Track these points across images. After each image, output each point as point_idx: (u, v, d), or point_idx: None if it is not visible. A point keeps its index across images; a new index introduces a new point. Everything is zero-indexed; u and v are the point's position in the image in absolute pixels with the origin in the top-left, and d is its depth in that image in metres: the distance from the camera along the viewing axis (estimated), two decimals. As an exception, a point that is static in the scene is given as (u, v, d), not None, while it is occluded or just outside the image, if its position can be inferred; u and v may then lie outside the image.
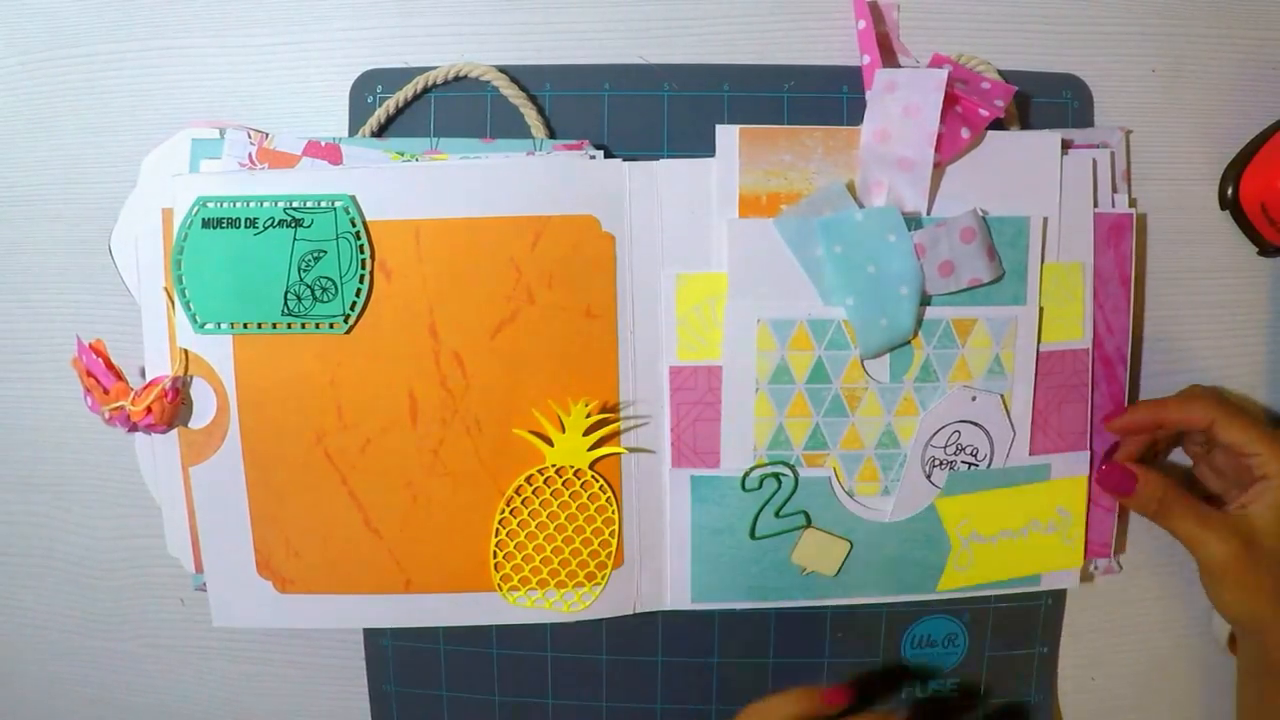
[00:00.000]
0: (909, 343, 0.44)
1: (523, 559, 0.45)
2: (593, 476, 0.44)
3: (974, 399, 0.44)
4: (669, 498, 0.45)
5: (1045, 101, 0.47)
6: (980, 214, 0.43)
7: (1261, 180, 0.46)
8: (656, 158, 0.44)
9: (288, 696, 0.52)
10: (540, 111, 0.46)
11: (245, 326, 0.43)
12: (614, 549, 0.45)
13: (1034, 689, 0.50)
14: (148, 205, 0.44)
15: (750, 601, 0.46)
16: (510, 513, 0.45)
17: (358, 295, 0.43)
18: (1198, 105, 0.48)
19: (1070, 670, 0.51)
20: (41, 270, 0.49)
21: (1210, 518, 0.41)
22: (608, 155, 0.45)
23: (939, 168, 0.43)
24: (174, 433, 0.44)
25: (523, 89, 0.45)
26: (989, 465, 0.45)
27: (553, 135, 0.46)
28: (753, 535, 0.45)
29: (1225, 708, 0.46)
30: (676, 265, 0.44)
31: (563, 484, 0.45)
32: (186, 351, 0.43)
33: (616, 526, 0.45)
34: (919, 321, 0.43)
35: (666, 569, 0.46)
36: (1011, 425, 0.45)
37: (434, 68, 0.45)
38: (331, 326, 0.43)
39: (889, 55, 0.46)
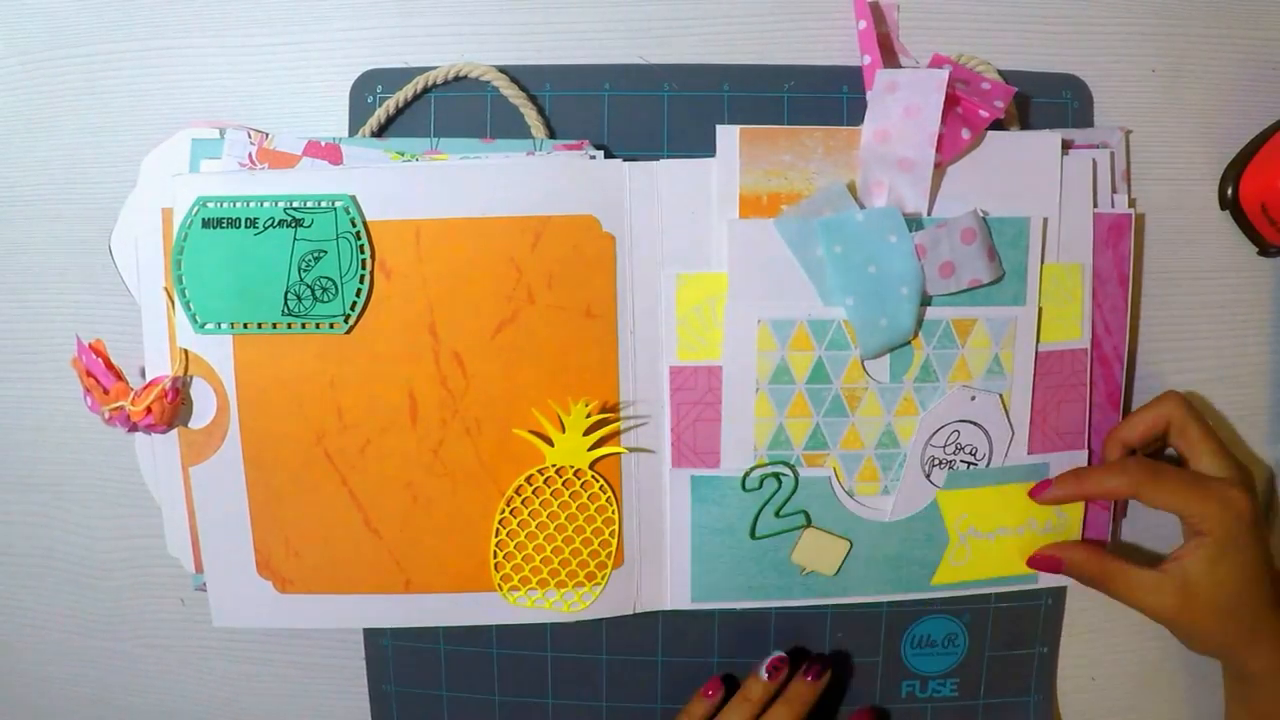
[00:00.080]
0: (909, 343, 0.44)
1: (523, 559, 0.45)
2: (593, 476, 0.44)
3: (973, 399, 0.44)
4: (669, 498, 0.45)
5: (1045, 101, 0.47)
6: (981, 214, 0.43)
7: (1261, 180, 0.46)
8: (656, 158, 0.44)
9: (288, 696, 0.52)
10: (540, 111, 0.46)
11: (245, 326, 0.43)
12: (614, 549, 0.45)
13: (1034, 689, 0.50)
14: (148, 205, 0.44)
15: (750, 601, 0.46)
16: (510, 513, 0.45)
17: (358, 295, 0.43)
18: (1198, 105, 0.48)
19: (1070, 670, 0.51)
20: (41, 270, 0.49)
21: (1140, 584, 0.42)
22: (608, 155, 0.45)
23: (939, 168, 0.43)
24: (174, 433, 0.44)
25: (523, 89, 0.45)
26: (988, 464, 0.45)
27: (553, 135, 0.46)
28: (753, 535, 0.45)
29: (1224, 708, 0.46)
30: (676, 265, 0.44)
31: (563, 484, 0.45)
32: (186, 351, 0.43)
33: (616, 526, 0.45)
34: (919, 322, 0.43)
35: (666, 569, 0.46)
36: (1010, 425, 0.45)
37: (434, 68, 0.45)
38: (331, 326, 0.43)
39: (889, 55, 0.46)
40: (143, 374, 0.45)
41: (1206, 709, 0.51)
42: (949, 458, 0.45)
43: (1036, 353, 0.45)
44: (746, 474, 0.44)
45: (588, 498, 0.45)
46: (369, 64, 0.46)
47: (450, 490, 0.45)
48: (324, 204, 0.42)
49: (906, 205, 0.43)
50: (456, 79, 0.46)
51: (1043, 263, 0.44)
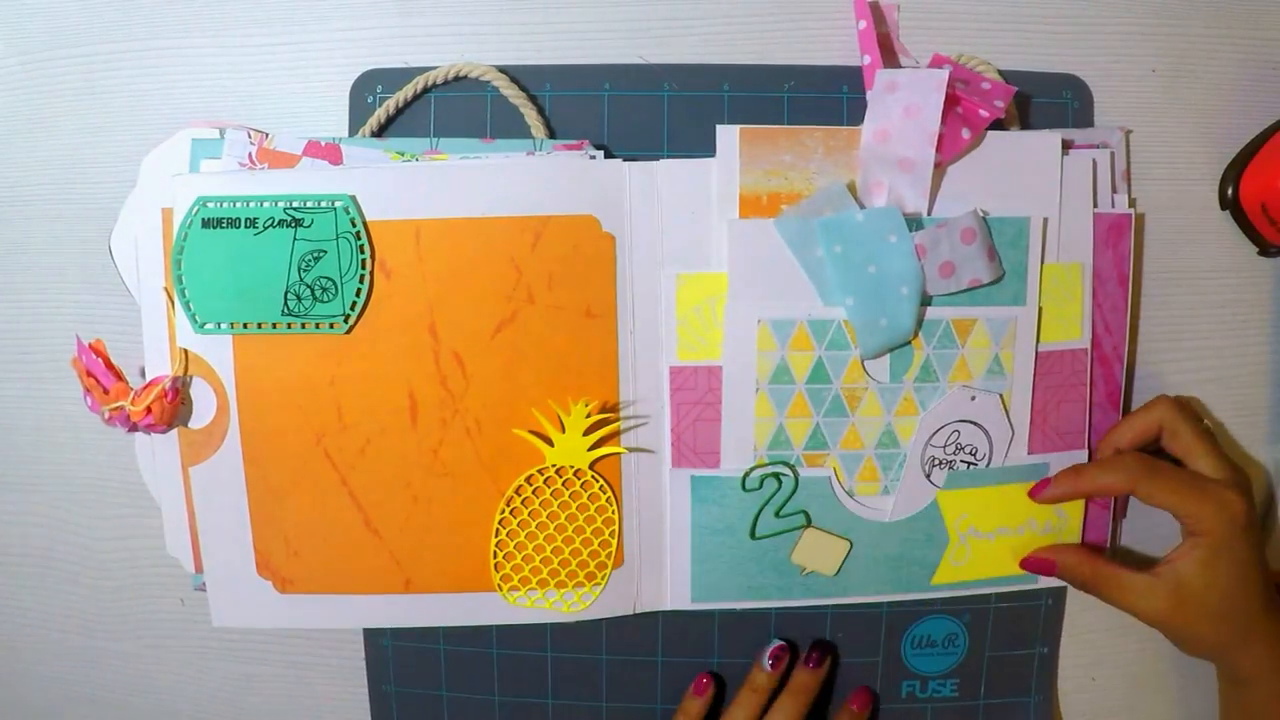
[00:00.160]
0: (909, 343, 0.44)
1: (523, 559, 0.45)
2: (593, 476, 0.44)
3: (973, 399, 0.44)
4: (669, 498, 0.45)
5: (1045, 101, 0.47)
6: (981, 214, 0.43)
7: (1261, 180, 0.46)
8: (656, 158, 0.44)
9: (288, 696, 0.52)
10: (540, 111, 0.46)
11: (245, 326, 0.43)
12: (614, 549, 0.45)
13: (1034, 689, 0.50)
14: (148, 205, 0.44)
15: (750, 601, 0.46)
16: (510, 513, 0.45)
17: (358, 295, 0.43)
18: (1198, 105, 0.48)
19: (1070, 670, 0.51)
20: (41, 270, 0.49)
21: (1133, 588, 0.42)
22: (608, 155, 0.45)
23: (939, 168, 0.43)
24: (174, 433, 0.44)
25: (523, 89, 0.45)
26: (988, 464, 0.45)
27: (553, 135, 0.46)
28: (753, 535, 0.45)
29: (1218, 710, 0.46)
30: (676, 265, 0.44)
31: (563, 484, 0.45)
32: (186, 351, 0.43)
33: (616, 526, 0.45)
34: (919, 322, 0.43)
35: (666, 569, 0.46)
36: (1010, 425, 0.45)
37: (434, 68, 0.45)
38: (331, 326, 0.43)
39: (889, 55, 0.46)
40: (143, 374, 0.45)
41: (1206, 709, 0.51)
42: (949, 458, 0.45)
43: (1036, 353, 0.45)
44: (746, 474, 0.44)
45: (588, 498, 0.45)
46: (369, 64, 0.46)
47: (450, 490, 0.45)
48: (324, 204, 0.42)
49: (906, 205, 0.43)
50: (456, 79, 0.46)
51: (1043, 263, 0.44)
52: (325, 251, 0.42)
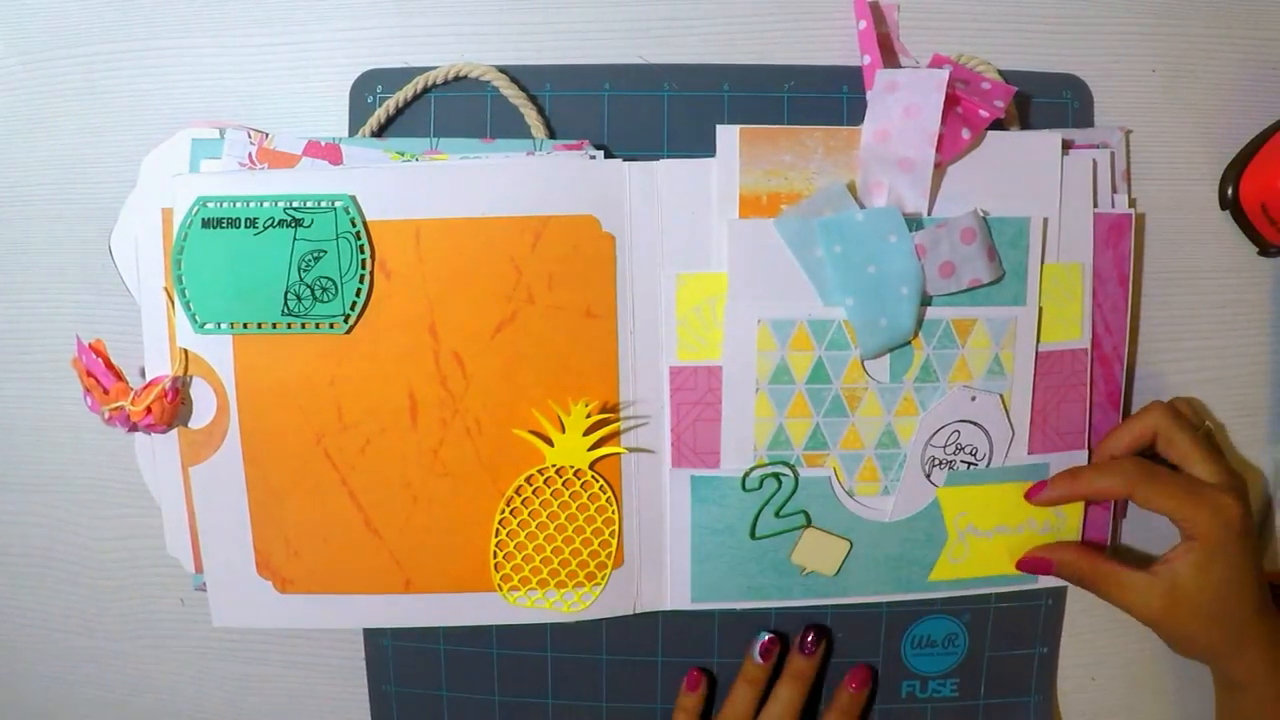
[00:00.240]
0: (909, 343, 0.44)
1: (523, 559, 0.45)
2: (593, 476, 0.44)
3: (973, 399, 0.44)
4: (669, 498, 0.45)
5: (1045, 101, 0.47)
6: (981, 214, 0.43)
7: (1261, 180, 0.46)
8: (656, 158, 0.44)
9: (288, 696, 0.52)
10: (540, 111, 0.46)
11: (245, 326, 0.43)
12: (614, 549, 0.45)
13: (1034, 689, 0.50)
14: (148, 205, 0.44)
15: (750, 601, 0.46)
16: (510, 513, 0.45)
17: (358, 295, 0.43)
18: (1198, 105, 0.48)
19: (1070, 670, 0.51)
20: (41, 270, 0.49)
21: (1129, 585, 0.42)
22: (608, 155, 0.45)
23: (939, 168, 0.43)
24: (174, 433, 0.44)
25: (523, 89, 0.45)
26: (988, 465, 0.45)
27: (553, 135, 0.46)
28: (753, 535, 0.45)
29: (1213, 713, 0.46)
30: (676, 265, 0.44)
31: (563, 484, 0.45)
32: (186, 351, 0.43)
33: (616, 526, 0.45)
34: (919, 322, 0.43)
35: (666, 569, 0.46)
36: (1011, 425, 0.45)
37: (434, 68, 0.45)
38: (331, 326, 0.43)
39: (889, 55, 0.46)
40: (143, 374, 0.45)
41: (1204, 709, 0.51)
42: (949, 458, 0.45)
43: (1037, 353, 0.45)
44: (746, 474, 0.44)
45: (588, 498, 0.45)
46: (369, 64, 0.46)
47: (450, 490, 0.45)
48: (324, 204, 0.42)
49: (906, 205, 0.43)
50: (456, 79, 0.46)
51: (1043, 263, 0.44)
52: (325, 251, 0.42)
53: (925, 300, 0.43)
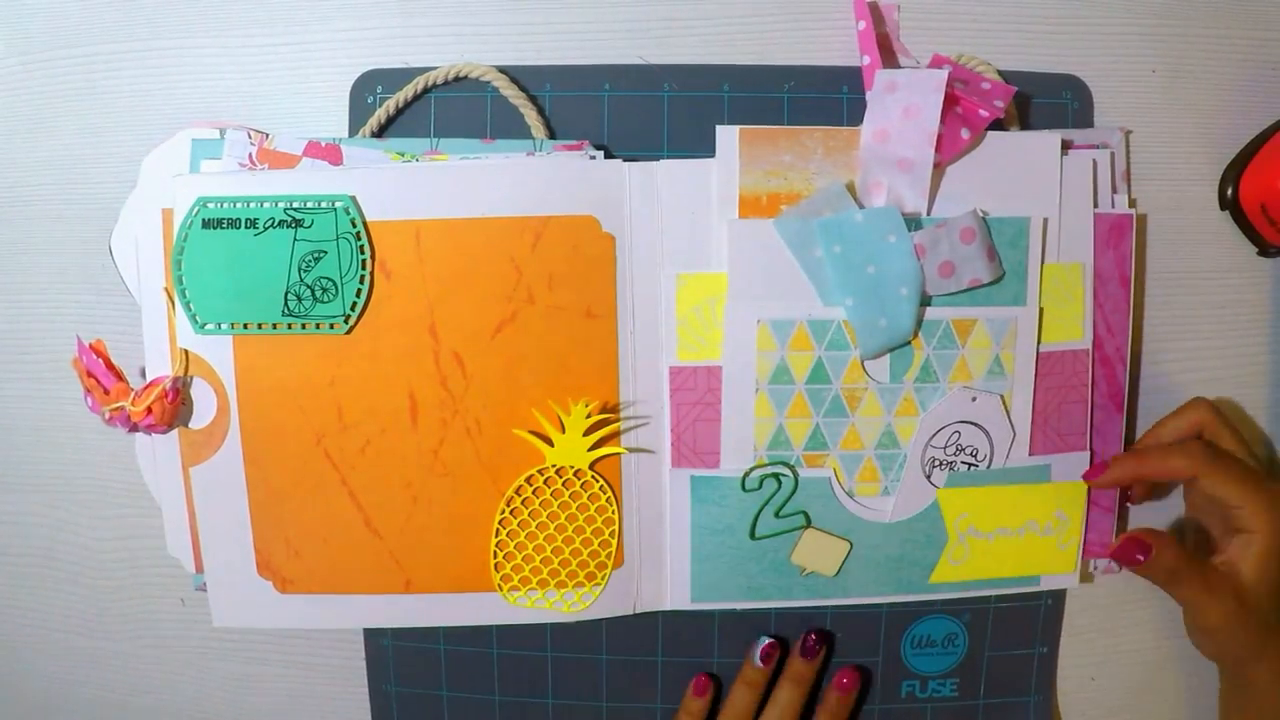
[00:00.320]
0: (909, 343, 0.44)
1: (523, 559, 0.45)
2: (593, 476, 0.44)
3: (974, 399, 0.44)
4: (669, 498, 0.45)
5: (1045, 101, 0.47)
6: (980, 214, 0.43)
7: (1261, 180, 0.46)
8: (656, 158, 0.44)
9: (288, 696, 0.52)
10: (540, 112, 0.46)
11: (245, 327, 0.43)
12: (614, 549, 0.45)
13: (1034, 689, 0.50)
14: (148, 205, 0.44)
15: (750, 601, 0.46)
16: (510, 513, 0.45)
17: (358, 295, 0.43)
18: (1198, 105, 0.48)
19: (1070, 670, 0.51)
20: (41, 270, 0.49)
21: (1210, 584, 0.41)
22: (608, 155, 0.45)
23: (939, 168, 0.43)
24: (174, 433, 0.44)
25: (523, 89, 0.45)
26: (989, 466, 0.45)
27: (553, 135, 0.46)
28: (753, 535, 0.45)
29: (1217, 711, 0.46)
30: (676, 265, 0.44)
31: (563, 484, 0.45)
32: (186, 352, 0.43)
33: (616, 526, 0.45)
34: (919, 322, 0.43)
35: (666, 569, 0.46)
36: (1011, 426, 0.45)
37: (434, 68, 0.45)
38: (332, 327, 0.43)
39: (889, 56, 0.46)
40: (143, 374, 0.45)
41: (1205, 709, 0.51)
42: (950, 459, 0.45)
43: (1037, 353, 0.45)
44: (746, 474, 0.44)
45: (588, 498, 0.45)
46: (369, 64, 0.46)
47: (450, 490, 0.45)
48: (324, 204, 0.42)
49: (906, 205, 0.43)
50: (456, 79, 0.46)
51: (1043, 263, 0.44)
52: (325, 252, 0.42)
53: (925, 300, 0.43)
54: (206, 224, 0.42)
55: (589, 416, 0.43)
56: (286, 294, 0.42)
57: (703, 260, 0.44)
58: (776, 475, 0.45)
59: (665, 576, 0.46)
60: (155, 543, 0.47)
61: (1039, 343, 0.45)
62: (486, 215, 0.43)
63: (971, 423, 0.45)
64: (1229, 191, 0.48)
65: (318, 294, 0.42)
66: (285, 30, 0.47)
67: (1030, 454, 0.45)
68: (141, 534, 0.50)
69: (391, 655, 0.49)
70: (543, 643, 0.49)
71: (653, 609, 0.47)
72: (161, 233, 0.43)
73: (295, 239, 0.42)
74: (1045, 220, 0.44)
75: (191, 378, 0.44)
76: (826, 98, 0.46)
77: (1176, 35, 0.48)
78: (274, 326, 0.43)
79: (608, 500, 0.45)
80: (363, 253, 0.42)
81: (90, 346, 0.43)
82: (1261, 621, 0.41)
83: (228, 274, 0.42)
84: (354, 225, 0.42)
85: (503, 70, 0.45)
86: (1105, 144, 0.46)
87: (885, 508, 0.45)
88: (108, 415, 0.42)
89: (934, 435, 0.45)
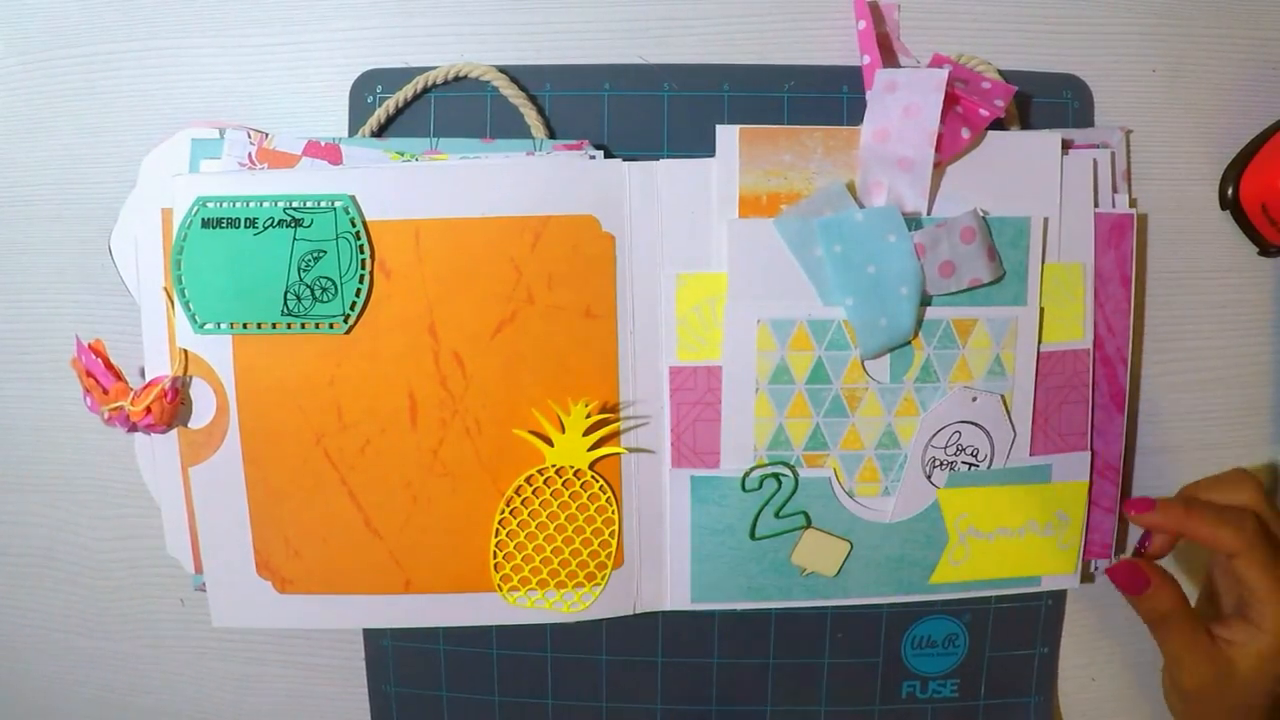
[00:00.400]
0: (909, 343, 0.44)
1: (523, 559, 0.45)
2: (593, 477, 0.44)
3: (974, 399, 0.44)
4: (669, 498, 0.45)
5: (1045, 101, 0.47)
6: (980, 214, 0.43)
7: (1261, 180, 0.46)
8: (656, 158, 0.44)
9: (288, 696, 0.52)
10: (540, 111, 0.46)
11: (245, 326, 0.43)
12: (614, 549, 0.45)
13: (1034, 689, 0.50)
14: (147, 205, 0.44)
15: (750, 601, 0.46)
16: (510, 513, 0.45)
17: (358, 295, 0.43)
18: (1198, 105, 0.48)
19: (1070, 670, 0.51)
20: (41, 270, 0.49)
21: (1197, 645, 0.40)
22: (608, 155, 0.45)
23: (939, 168, 0.43)
24: (174, 433, 0.44)
25: (523, 89, 0.45)
26: (989, 466, 0.45)
27: (553, 135, 0.46)
28: (753, 536, 0.45)
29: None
30: (676, 265, 0.44)
31: (563, 484, 0.45)
32: (186, 351, 0.43)
33: (616, 526, 0.45)
34: (919, 322, 0.43)
35: (666, 569, 0.46)
36: (1012, 426, 0.45)
37: (434, 68, 0.45)
38: (331, 326, 0.43)
39: (889, 55, 0.46)
40: (142, 374, 0.45)
41: (1207, 709, 0.51)
42: (950, 459, 0.45)
43: (1038, 353, 0.45)
44: (746, 474, 0.44)
45: (588, 498, 0.45)
46: (369, 64, 0.46)
47: (450, 490, 0.45)
48: (323, 204, 0.42)
49: (906, 205, 0.43)
50: (456, 79, 0.46)
51: (1043, 263, 0.44)
52: (325, 251, 0.42)
53: (925, 300, 0.43)
54: (206, 224, 0.42)
55: (589, 416, 0.43)
56: (286, 294, 0.42)
57: (703, 260, 0.44)
58: (776, 475, 0.45)
59: (665, 577, 0.46)
60: (155, 543, 0.47)
61: (1039, 343, 0.45)
62: (486, 215, 0.43)
63: (972, 423, 0.45)
64: (1229, 191, 0.47)
65: (317, 294, 0.42)
66: (284, 30, 0.47)
67: (1031, 454, 0.45)
68: (141, 534, 0.50)
69: (391, 655, 0.49)
70: (543, 643, 0.49)
71: (653, 609, 0.47)
72: (161, 232, 0.43)
73: (295, 239, 0.42)
74: (1045, 220, 0.44)
75: (191, 377, 0.44)
76: (826, 97, 0.46)
77: (1177, 35, 0.48)
78: (273, 326, 0.43)
79: (608, 500, 0.45)
80: (362, 252, 0.42)
81: (89, 346, 0.43)
82: (1241, 712, 0.40)
83: (227, 274, 0.42)
84: (353, 225, 0.42)
85: (503, 70, 0.45)
86: (1105, 144, 0.46)
87: (885, 508, 0.45)
88: (107, 415, 0.42)
89: (934, 435, 0.45)
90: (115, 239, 0.45)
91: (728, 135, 0.43)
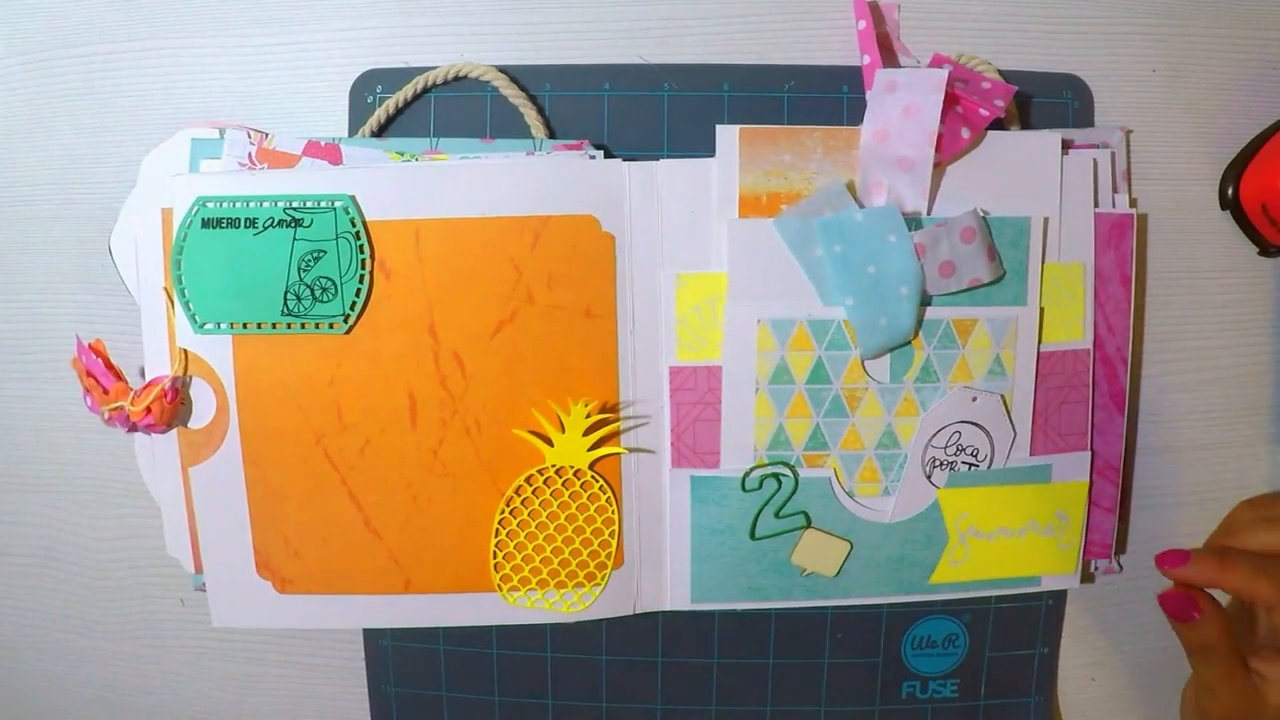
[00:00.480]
0: (909, 343, 0.44)
1: (523, 559, 0.45)
2: (593, 477, 0.44)
3: (974, 399, 0.44)
4: (669, 498, 0.45)
5: (1045, 101, 0.47)
6: (981, 214, 0.43)
7: (1262, 180, 0.46)
8: (656, 158, 0.44)
9: (288, 696, 0.52)
10: (540, 111, 0.46)
11: (245, 326, 0.43)
12: (614, 549, 0.45)
13: (1034, 689, 0.50)
14: (147, 205, 0.44)
15: (750, 602, 0.46)
16: (510, 513, 0.45)
17: (357, 295, 0.43)
18: (1198, 105, 0.48)
19: (1070, 670, 0.51)
20: (41, 270, 0.49)
21: (1234, 677, 0.39)
22: (608, 155, 0.45)
23: (939, 168, 0.43)
24: (174, 433, 0.44)
25: (523, 89, 0.45)
26: (989, 466, 0.45)
27: (553, 135, 0.46)
28: (753, 536, 0.45)
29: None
30: (676, 265, 0.44)
31: (563, 484, 0.45)
32: (186, 351, 0.43)
33: (616, 526, 0.45)
34: (919, 322, 0.43)
35: (666, 569, 0.46)
36: (1012, 426, 0.45)
37: (434, 68, 0.45)
38: (331, 326, 0.43)
39: (889, 55, 0.46)
40: (142, 374, 0.45)
41: (1207, 710, 0.51)
42: (950, 459, 0.45)
43: (1038, 353, 0.45)
44: (746, 474, 0.44)
45: (588, 498, 0.45)
46: (369, 64, 0.46)
47: (450, 490, 0.45)
48: (323, 204, 0.42)
49: (906, 205, 0.43)
50: (456, 79, 0.46)
51: (1043, 262, 0.44)
52: (325, 251, 0.42)
53: (925, 300, 0.43)
54: (206, 223, 0.42)
55: (589, 416, 0.43)
56: (286, 294, 0.42)
57: (703, 260, 0.44)
58: (776, 475, 0.45)
59: (665, 577, 0.46)
60: (155, 543, 0.47)
61: (1040, 343, 0.45)
62: (486, 215, 0.43)
63: (972, 423, 0.45)
64: (1229, 191, 0.47)
65: (317, 294, 0.42)
66: (284, 30, 0.47)
67: (1031, 454, 0.45)
68: (141, 534, 0.50)
69: (391, 655, 0.49)
70: (542, 643, 0.49)
71: (653, 609, 0.47)
72: (161, 232, 0.43)
73: (295, 238, 0.42)
74: (1046, 220, 0.44)
75: (191, 377, 0.44)
76: (826, 97, 0.46)
77: (1177, 35, 0.48)
78: (273, 326, 0.43)
79: (608, 500, 0.45)
80: (362, 252, 0.42)
81: (89, 346, 0.43)
82: None
83: (227, 273, 0.42)
84: (353, 225, 0.42)
85: (503, 70, 0.45)
86: (1105, 144, 0.46)
87: (885, 508, 0.45)
88: (107, 415, 0.42)
89: (934, 435, 0.45)
90: (115, 239, 0.45)
91: (728, 135, 0.43)
